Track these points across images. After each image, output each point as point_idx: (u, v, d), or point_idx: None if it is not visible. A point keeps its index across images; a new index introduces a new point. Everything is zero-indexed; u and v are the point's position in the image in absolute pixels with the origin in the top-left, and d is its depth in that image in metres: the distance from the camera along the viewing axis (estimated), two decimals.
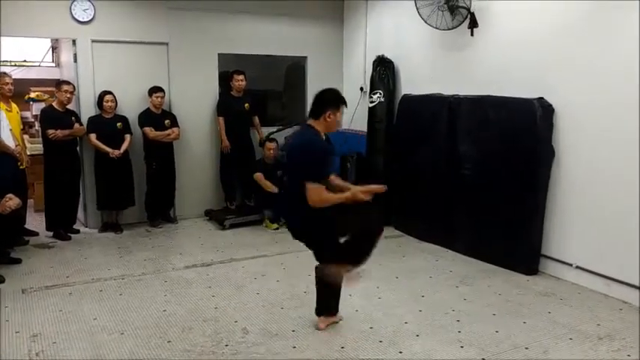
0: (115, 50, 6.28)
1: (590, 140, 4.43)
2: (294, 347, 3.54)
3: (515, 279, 4.76)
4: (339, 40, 7.54)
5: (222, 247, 5.74)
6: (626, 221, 4.19)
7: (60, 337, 3.65)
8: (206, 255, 5.44)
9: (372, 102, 6.50)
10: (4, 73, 5.73)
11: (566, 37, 4.57)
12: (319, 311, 3.78)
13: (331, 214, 3.26)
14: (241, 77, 6.60)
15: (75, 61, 6.15)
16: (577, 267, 4.60)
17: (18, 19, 5.67)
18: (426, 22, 5.43)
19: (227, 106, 6.64)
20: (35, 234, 6.01)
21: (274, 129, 6.85)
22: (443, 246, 5.64)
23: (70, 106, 5.94)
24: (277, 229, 6.35)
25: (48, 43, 7.81)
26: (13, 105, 5.66)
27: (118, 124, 6.08)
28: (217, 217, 6.59)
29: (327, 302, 3.76)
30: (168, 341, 3.61)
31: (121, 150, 6.02)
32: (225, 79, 6.81)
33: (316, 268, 3.68)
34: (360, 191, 3.28)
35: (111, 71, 6.25)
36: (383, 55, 6.50)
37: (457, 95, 5.50)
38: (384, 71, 6.44)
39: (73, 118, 5.90)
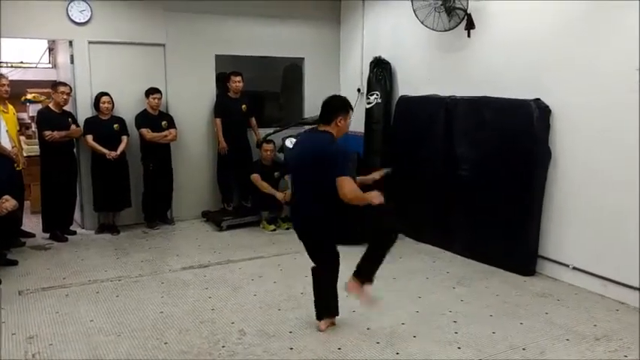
0: (112, 51, 6.27)
1: (587, 141, 4.44)
2: (291, 348, 3.53)
3: (512, 280, 4.76)
4: (336, 41, 7.54)
5: (219, 248, 5.73)
6: (622, 222, 4.20)
7: (56, 339, 3.64)
8: (203, 256, 5.43)
9: (369, 103, 6.51)
10: (1, 74, 5.72)
11: (562, 38, 4.59)
12: (319, 315, 3.78)
13: (348, 218, 3.39)
14: (238, 78, 6.60)
15: (72, 62, 6.13)
16: (574, 268, 4.61)
17: (14, 20, 5.65)
18: (422, 23, 5.44)
19: (224, 107, 6.64)
20: (32, 235, 5.99)
21: (271, 130, 6.84)
22: (440, 247, 5.65)
23: (66, 108, 5.94)
24: (274, 230, 6.35)
25: (45, 44, 7.80)
26: (10, 106, 5.65)
27: (115, 126, 6.07)
28: (214, 219, 6.58)
29: (327, 303, 3.77)
30: (165, 343, 3.60)
31: (118, 151, 6.00)
32: (222, 80, 6.80)
33: (313, 269, 3.69)
34: (374, 197, 3.42)
35: (108, 72, 6.24)
36: (380, 57, 6.51)
37: (454, 96, 5.50)
38: (381, 72, 6.45)
39: (69, 119, 5.88)
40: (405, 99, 6.20)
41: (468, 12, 5.30)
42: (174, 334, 3.73)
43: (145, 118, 6.23)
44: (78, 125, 5.96)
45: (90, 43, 6.11)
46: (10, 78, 5.74)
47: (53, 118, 5.77)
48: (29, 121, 8.26)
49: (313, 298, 3.78)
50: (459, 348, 3.55)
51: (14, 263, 5.10)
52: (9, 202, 4.51)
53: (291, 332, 3.76)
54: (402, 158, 6.08)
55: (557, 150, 4.69)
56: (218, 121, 6.61)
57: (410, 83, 6.28)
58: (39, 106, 7.02)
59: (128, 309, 4.15)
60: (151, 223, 6.48)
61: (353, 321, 3.90)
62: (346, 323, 3.85)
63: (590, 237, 4.47)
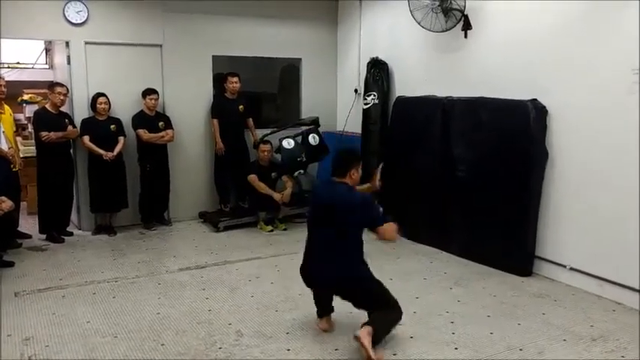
0: (109, 52, 6.25)
1: (584, 142, 4.45)
2: (289, 350, 3.53)
3: (509, 280, 4.77)
4: (333, 41, 7.54)
5: (216, 249, 5.72)
6: (619, 223, 4.21)
7: (53, 341, 3.63)
8: (200, 257, 5.42)
9: (366, 104, 6.51)
10: None
11: (559, 38, 4.59)
12: (321, 313, 3.80)
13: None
14: (235, 79, 6.59)
15: (68, 63, 6.12)
16: (571, 268, 4.62)
17: (11, 20, 5.64)
18: (419, 24, 5.44)
19: (221, 108, 6.63)
20: (28, 237, 5.97)
21: (268, 131, 6.83)
22: (437, 248, 5.65)
23: (63, 109, 5.91)
24: (272, 231, 6.35)
25: (41, 44, 7.78)
26: (6, 107, 5.62)
27: (112, 127, 6.05)
28: (211, 219, 6.57)
29: (328, 304, 3.78)
30: (162, 344, 3.59)
31: (115, 152, 5.99)
32: (219, 81, 6.80)
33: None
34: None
35: (104, 73, 6.23)
36: (377, 57, 6.52)
37: (451, 97, 5.51)
38: (378, 73, 6.46)
39: (66, 120, 5.87)
40: (402, 100, 6.20)
41: (465, 13, 5.31)
42: (171, 335, 3.72)
43: (141, 119, 6.22)
44: (74, 126, 5.94)
45: (87, 43, 6.09)
46: (6, 79, 5.73)
47: (50, 119, 5.75)
48: (26, 122, 8.25)
49: (313, 299, 3.79)
50: (456, 349, 3.55)
51: (10, 264, 5.08)
52: (5, 203, 4.51)
53: (288, 333, 3.76)
54: (399, 159, 6.08)
55: (554, 150, 4.69)
56: (215, 121, 6.60)
57: (407, 84, 6.29)
58: (35, 107, 7.02)
59: (125, 310, 4.14)
60: (148, 224, 6.46)
61: (350, 322, 3.89)
62: (343, 324, 3.84)
63: (587, 237, 4.48)
